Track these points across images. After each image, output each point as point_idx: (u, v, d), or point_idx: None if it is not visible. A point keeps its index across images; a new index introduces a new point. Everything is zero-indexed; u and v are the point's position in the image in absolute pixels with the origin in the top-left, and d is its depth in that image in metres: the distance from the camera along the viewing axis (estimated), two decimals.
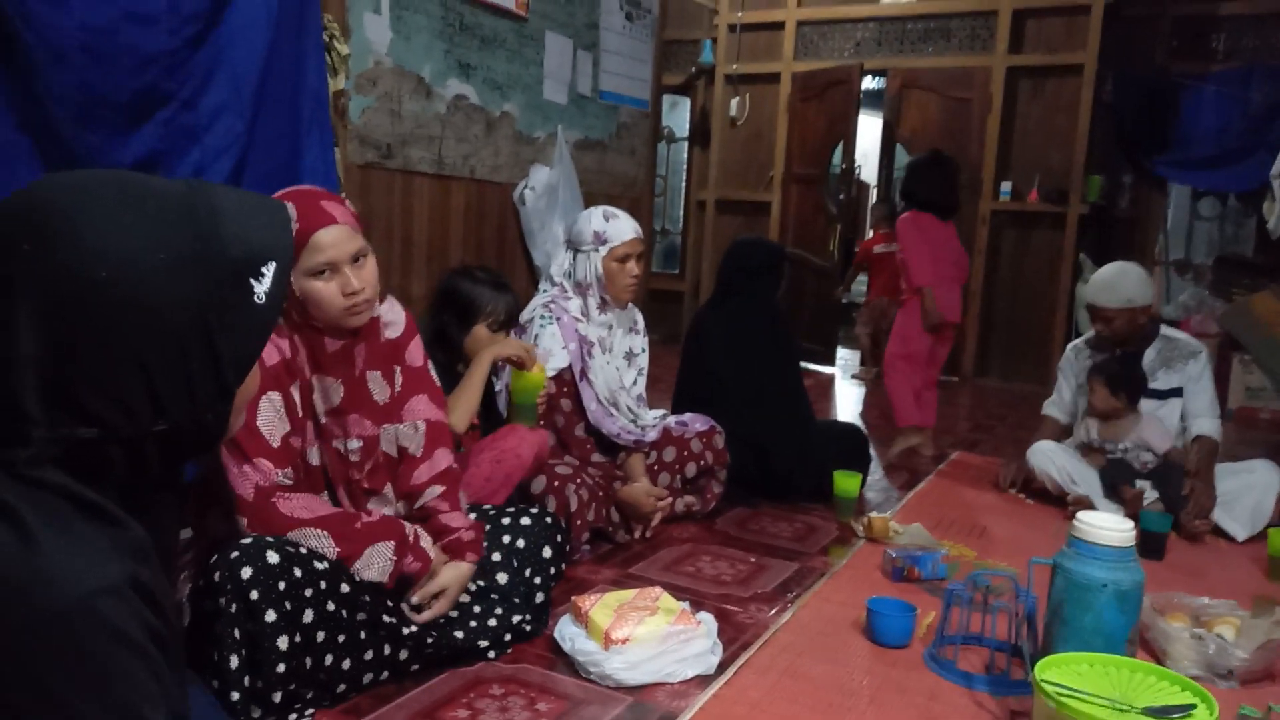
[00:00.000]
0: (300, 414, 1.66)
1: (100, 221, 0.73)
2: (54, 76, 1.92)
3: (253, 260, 0.79)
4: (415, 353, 1.84)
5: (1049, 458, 3.14)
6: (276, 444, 1.60)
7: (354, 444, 1.73)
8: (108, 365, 0.72)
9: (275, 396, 1.61)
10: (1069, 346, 3.40)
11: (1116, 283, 3.07)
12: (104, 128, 2.02)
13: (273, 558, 1.49)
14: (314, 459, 1.70)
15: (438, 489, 1.80)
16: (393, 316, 1.81)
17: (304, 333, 1.66)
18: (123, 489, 0.76)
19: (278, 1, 2.34)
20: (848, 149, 6.20)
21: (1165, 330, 3.17)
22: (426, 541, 1.74)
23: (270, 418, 1.60)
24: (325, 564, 1.58)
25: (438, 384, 1.87)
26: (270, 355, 1.62)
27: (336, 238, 1.60)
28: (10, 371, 0.71)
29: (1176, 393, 3.09)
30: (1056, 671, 1.58)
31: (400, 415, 1.79)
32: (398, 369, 1.79)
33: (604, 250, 2.60)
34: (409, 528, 1.72)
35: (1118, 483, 2.98)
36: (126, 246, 0.73)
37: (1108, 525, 1.74)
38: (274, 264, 0.81)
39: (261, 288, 0.80)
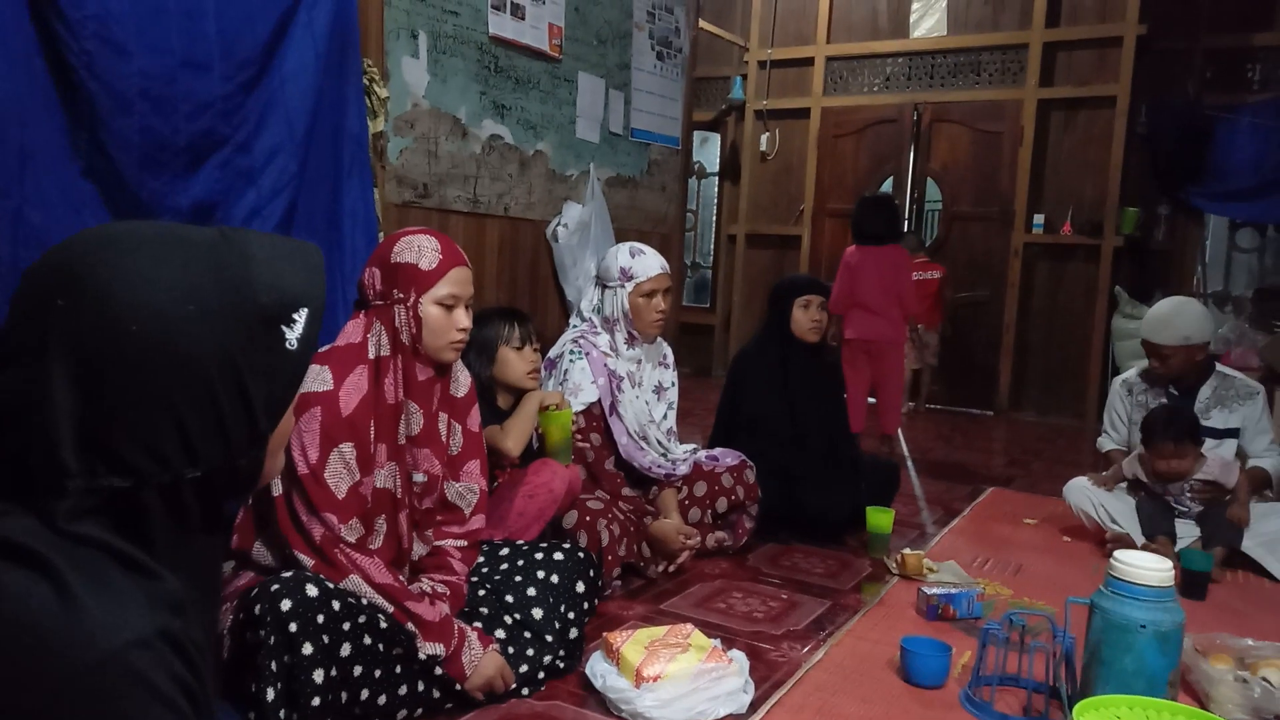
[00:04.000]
0: (372, 448, 1.71)
1: (130, 275, 0.74)
2: (117, 123, 1.99)
3: (284, 307, 0.80)
4: (475, 419, 1.95)
5: (1086, 495, 3.09)
6: (342, 495, 1.66)
7: (419, 477, 1.81)
8: (142, 416, 0.73)
9: (347, 449, 1.67)
10: (1117, 381, 3.31)
11: (1173, 320, 2.99)
12: (165, 172, 2.09)
13: (312, 591, 1.52)
14: (380, 481, 1.74)
15: (462, 542, 1.92)
16: (462, 376, 1.94)
17: (404, 354, 1.75)
18: (161, 537, 0.77)
19: (324, 48, 2.42)
20: (900, 185, 6.28)
21: (1220, 367, 3.10)
22: (472, 649, 1.74)
23: (338, 470, 1.66)
24: (364, 599, 1.61)
25: (486, 453, 2.01)
26: (348, 402, 1.67)
27: (465, 278, 1.78)
28: (47, 424, 0.72)
29: (1233, 433, 3.02)
30: (1095, 714, 1.55)
31: (459, 474, 1.91)
32: (459, 427, 1.91)
33: (630, 286, 2.63)
34: (456, 629, 1.73)
35: (1153, 532, 2.90)
36: (157, 299, 0.74)
37: (1146, 564, 1.71)
38: (306, 310, 0.81)
39: (293, 334, 0.80)
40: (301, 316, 0.81)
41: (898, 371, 4.62)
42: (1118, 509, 3.01)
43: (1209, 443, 3.01)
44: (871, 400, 4.62)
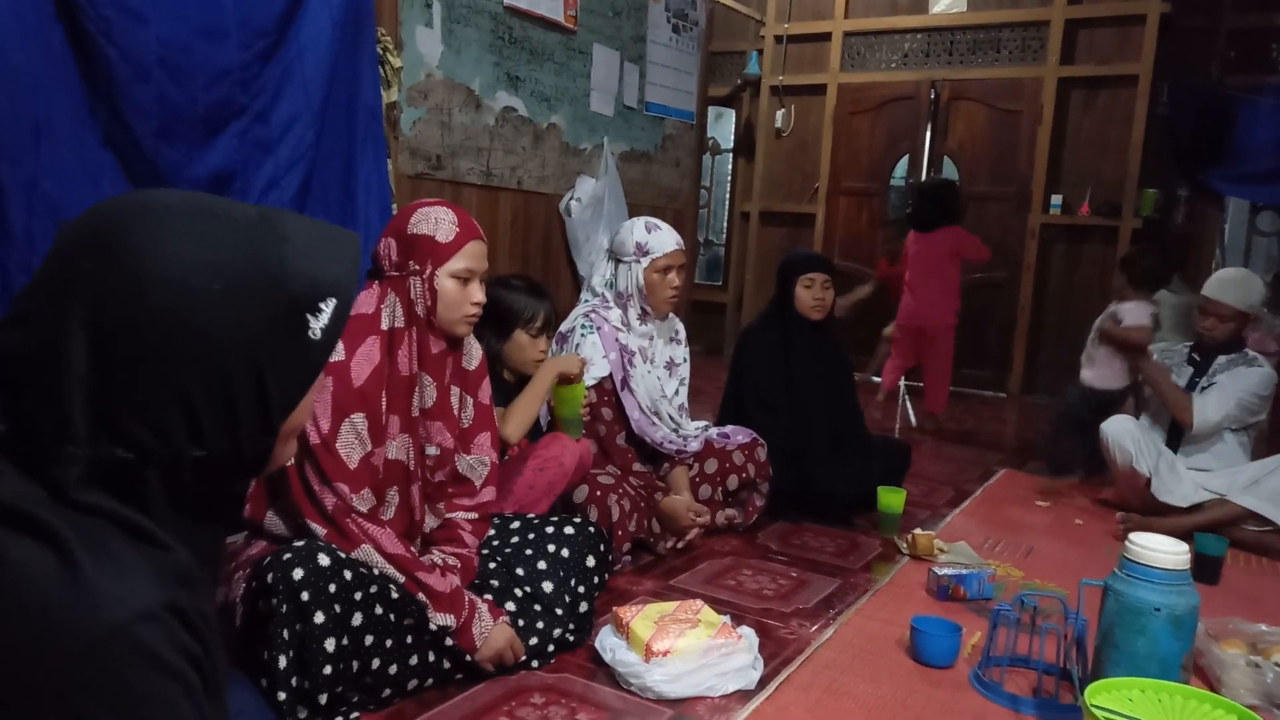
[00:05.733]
0: (384, 419, 1.71)
1: (160, 246, 0.72)
2: (134, 91, 1.98)
3: (312, 296, 0.78)
4: (485, 391, 1.95)
5: (1128, 430, 3.08)
6: (354, 465, 1.66)
7: (432, 450, 1.81)
8: (151, 390, 0.72)
9: (358, 419, 1.67)
10: (1162, 344, 3.40)
11: (1246, 285, 3.03)
12: (182, 142, 2.08)
13: (324, 560, 1.52)
14: (393, 453, 1.74)
15: (473, 515, 1.92)
16: (474, 348, 1.93)
17: (419, 326, 1.75)
18: (160, 512, 0.76)
19: (339, 17, 2.40)
20: (915, 164, 6.25)
21: (1249, 350, 3.12)
22: (482, 620, 1.74)
23: (350, 440, 1.66)
24: (375, 569, 1.62)
25: (496, 425, 2.00)
26: (359, 373, 1.67)
27: (481, 252, 1.78)
28: (60, 387, 0.71)
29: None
30: (1107, 697, 1.55)
31: (470, 447, 1.91)
32: (470, 400, 1.90)
33: (646, 261, 2.61)
34: (466, 601, 1.73)
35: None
36: (183, 273, 0.72)
37: (1161, 547, 1.70)
38: (334, 300, 0.79)
39: (318, 323, 0.78)
40: (329, 306, 0.79)
41: (944, 354, 4.78)
42: (1150, 454, 3.03)
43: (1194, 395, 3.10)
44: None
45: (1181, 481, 2.96)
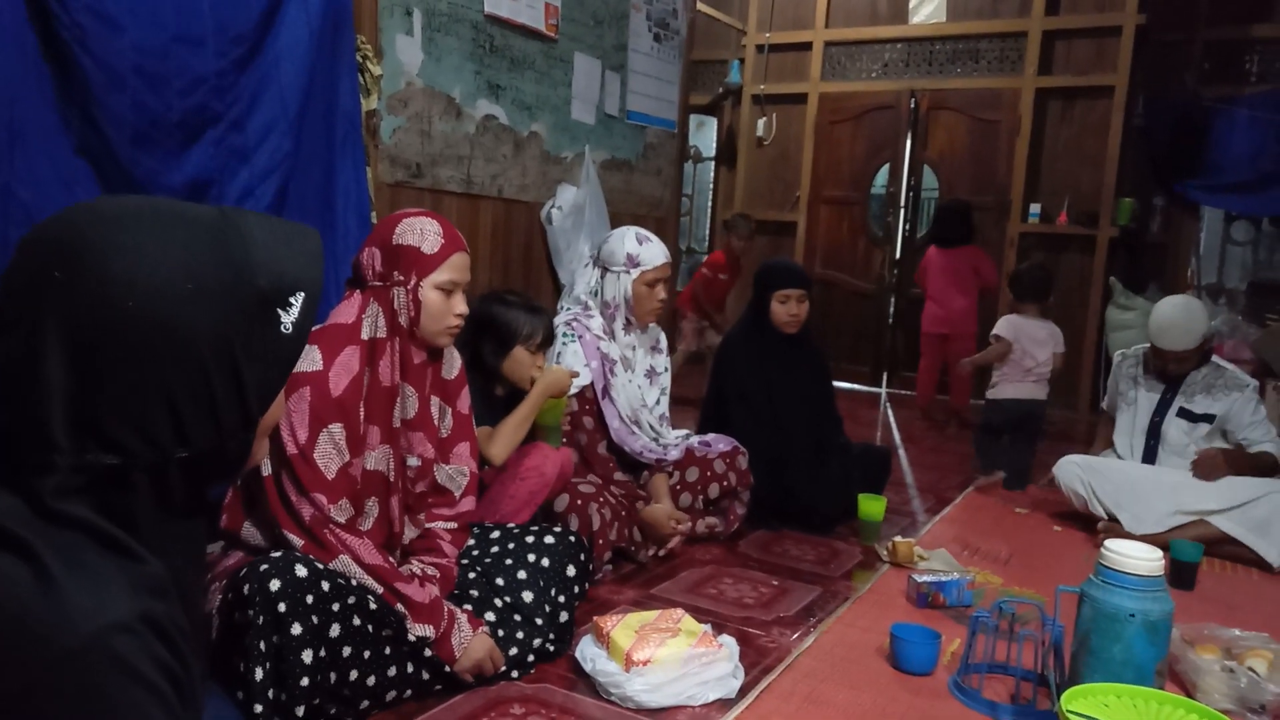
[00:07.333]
0: (362, 429, 1.70)
1: (129, 251, 0.73)
2: (110, 99, 1.96)
3: (281, 290, 0.79)
4: (465, 401, 1.94)
5: (1077, 474, 3.10)
6: (332, 476, 1.65)
7: (414, 461, 1.80)
8: (133, 394, 0.73)
9: (336, 429, 1.65)
10: (1118, 354, 3.46)
11: (1191, 326, 3.02)
12: (158, 149, 2.07)
13: (301, 571, 1.51)
14: (372, 464, 1.73)
15: (452, 524, 1.90)
16: (452, 358, 1.91)
17: (401, 337, 1.74)
18: (146, 518, 0.76)
19: (318, 24, 2.39)
20: (896, 173, 6.28)
21: (1216, 359, 3.14)
22: (461, 631, 1.74)
23: (327, 450, 1.64)
24: (353, 580, 1.61)
25: (475, 434, 1.98)
26: (337, 383, 1.66)
27: (465, 264, 1.77)
28: (38, 399, 0.71)
29: (1209, 418, 3.07)
30: (1083, 702, 1.56)
31: (449, 457, 1.89)
32: (449, 410, 1.89)
33: (635, 273, 2.61)
34: (446, 611, 1.72)
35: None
36: (155, 276, 0.73)
37: (1136, 554, 1.72)
38: (302, 294, 0.81)
39: (289, 318, 0.80)
40: (298, 301, 0.80)
41: (964, 356, 5.10)
42: (1106, 491, 3.03)
43: (1183, 424, 3.09)
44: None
45: (1151, 507, 2.97)
